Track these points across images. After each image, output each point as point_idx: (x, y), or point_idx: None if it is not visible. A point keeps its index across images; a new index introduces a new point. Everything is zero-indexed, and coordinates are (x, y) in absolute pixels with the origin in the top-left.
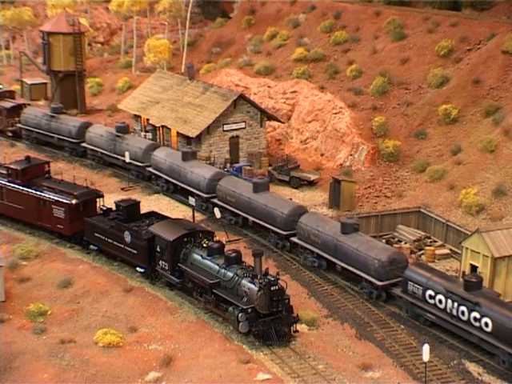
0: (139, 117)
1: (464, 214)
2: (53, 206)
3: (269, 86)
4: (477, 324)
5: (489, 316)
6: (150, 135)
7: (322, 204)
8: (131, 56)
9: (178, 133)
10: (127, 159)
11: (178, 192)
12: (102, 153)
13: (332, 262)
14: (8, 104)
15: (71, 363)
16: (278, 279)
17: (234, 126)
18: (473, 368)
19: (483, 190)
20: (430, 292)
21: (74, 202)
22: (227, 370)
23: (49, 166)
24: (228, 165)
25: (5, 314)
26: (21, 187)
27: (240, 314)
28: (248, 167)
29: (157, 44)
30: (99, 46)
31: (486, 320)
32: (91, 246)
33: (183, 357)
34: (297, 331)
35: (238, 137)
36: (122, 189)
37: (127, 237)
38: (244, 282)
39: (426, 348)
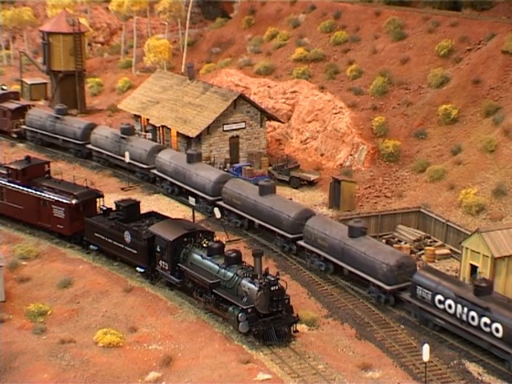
0: (139, 117)
1: (464, 214)
2: (53, 206)
3: (269, 86)
4: (487, 329)
5: (499, 321)
6: (149, 135)
7: (322, 204)
8: (131, 56)
9: (177, 133)
10: (127, 159)
11: (182, 194)
12: (107, 154)
13: (339, 265)
14: (12, 105)
15: (71, 363)
16: (278, 279)
17: (234, 126)
18: (473, 368)
19: (483, 190)
20: (439, 297)
21: (73, 202)
22: (227, 370)
23: (49, 166)
24: (228, 165)
25: (5, 314)
26: (21, 187)
27: (240, 314)
28: (248, 167)
29: (157, 44)
30: (99, 45)
31: (497, 325)
32: (91, 246)
33: (183, 357)
34: (297, 331)
35: (237, 137)
36: (122, 189)
37: (127, 237)
38: (244, 282)
39: (425, 348)
